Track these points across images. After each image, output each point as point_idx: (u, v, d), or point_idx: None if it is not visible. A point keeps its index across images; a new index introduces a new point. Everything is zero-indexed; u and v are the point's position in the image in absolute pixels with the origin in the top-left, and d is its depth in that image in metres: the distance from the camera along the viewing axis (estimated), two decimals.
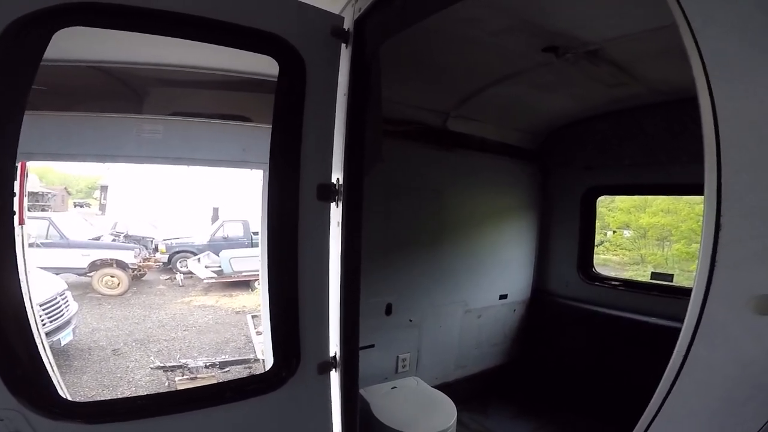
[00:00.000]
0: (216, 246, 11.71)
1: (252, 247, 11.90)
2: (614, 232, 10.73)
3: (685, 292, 3.23)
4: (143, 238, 11.99)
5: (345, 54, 1.69)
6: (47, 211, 14.58)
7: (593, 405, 3.41)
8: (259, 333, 6.79)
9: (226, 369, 6.31)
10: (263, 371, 1.64)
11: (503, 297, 3.78)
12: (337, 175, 1.63)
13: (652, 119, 3.14)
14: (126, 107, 3.07)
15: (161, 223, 13.94)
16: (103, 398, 5.14)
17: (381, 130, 1.95)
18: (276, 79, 2.89)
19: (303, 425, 1.72)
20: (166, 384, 5.81)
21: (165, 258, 11.59)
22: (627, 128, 3.32)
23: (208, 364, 6.23)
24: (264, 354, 6.07)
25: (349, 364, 1.78)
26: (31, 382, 1.20)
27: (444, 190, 3.26)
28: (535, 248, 3.99)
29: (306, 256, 1.54)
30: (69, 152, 2.63)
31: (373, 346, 2.98)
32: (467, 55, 2.36)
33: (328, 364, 1.73)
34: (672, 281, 3.49)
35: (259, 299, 9.90)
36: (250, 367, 6.43)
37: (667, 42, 2.08)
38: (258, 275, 10.53)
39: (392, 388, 2.96)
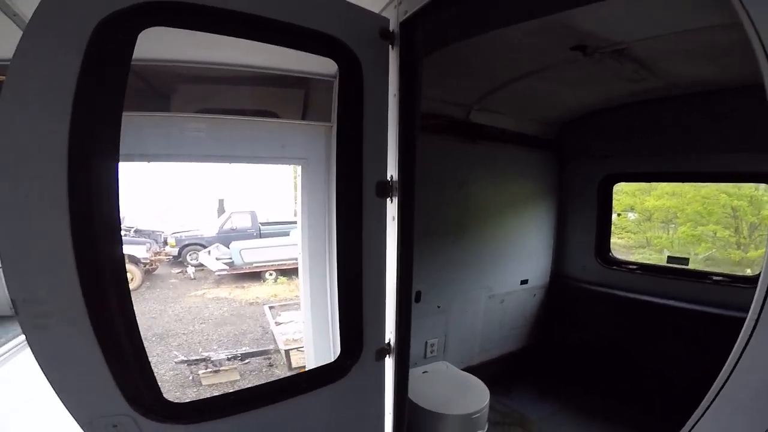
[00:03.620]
0: (225, 238, 11.80)
1: (261, 237, 12.00)
2: (619, 215, 10.78)
3: (701, 276, 3.34)
4: (153, 232, 12.06)
5: (392, 55, 1.76)
6: None
7: (612, 385, 3.56)
8: (278, 324, 6.94)
9: (247, 361, 6.45)
10: (332, 360, 1.74)
11: (524, 282, 3.90)
12: (390, 173, 1.72)
13: (668, 111, 3.24)
14: (152, 105, 3.12)
15: (169, 217, 14.00)
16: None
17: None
18: (301, 75, 2.95)
19: (363, 409, 1.85)
20: (191, 378, 5.96)
21: (175, 251, 11.70)
22: (643, 119, 3.41)
23: (230, 357, 6.37)
24: (286, 344, 6.23)
25: (402, 349, 1.89)
26: (142, 388, 1.27)
27: (468, 181, 3.35)
28: (553, 234, 4.09)
29: (368, 250, 1.63)
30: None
31: None
32: (497, 53, 2.43)
33: (384, 351, 1.84)
34: (687, 265, 3.60)
35: (271, 290, 10.06)
36: (269, 358, 6.58)
37: (691, 42, 2.17)
38: (267, 266, 10.70)
39: (423, 373, 3.08)
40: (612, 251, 3.97)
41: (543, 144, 3.89)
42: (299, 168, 2.75)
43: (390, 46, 1.76)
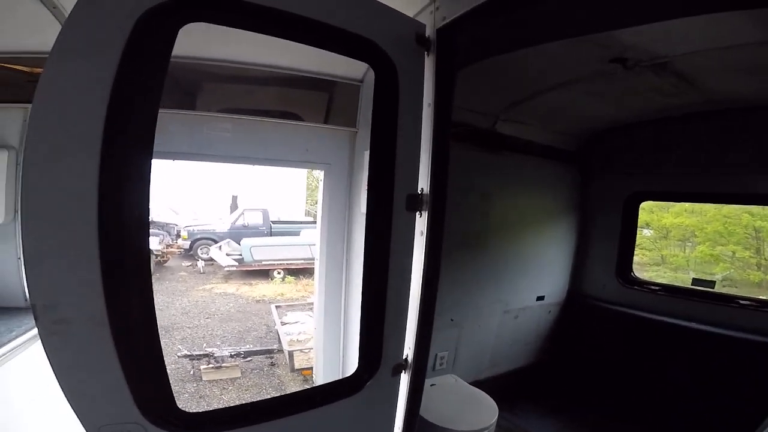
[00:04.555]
0: (236, 234, 11.85)
1: (271, 235, 12.02)
2: None
3: (727, 299, 3.23)
4: (167, 224, 12.14)
5: (428, 63, 1.70)
6: None
7: (623, 407, 3.46)
8: (284, 323, 6.89)
9: (249, 359, 6.42)
10: (350, 375, 1.69)
11: (540, 298, 3.81)
12: (421, 185, 1.66)
13: (702, 128, 3.14)
14: (177, 102, 3.09)
15: (182, 210, 14.10)
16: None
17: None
18: (326, 78, 2.90)
19: (374, 424, 1.78)
20: (191, 372, 5.93)
21: (186, 244, 11.76)
22: (675, 135, 3.31)
23: (232, 353, 6.34)
24: (290, 345, 6.18)
25: (419, 366, 1.82)
26: (155, 396, 1.22)
27: (492, 192, 3.27)
28: (572, 251, 4.00)
29: (394, 265, 1.58)
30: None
31: None
32: (532, 62, 2.36)
33: (400, 366, 1.77)
34: (713, 287, 3.49)
35: (278, 288, 10.05)
36: (272, 357, 6.52)
37: (735, 58, 2.09)
38: (275, 265, 10.69)
39: (431, 386, 3.01)
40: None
41: (568, 157, 3.80)
42: (315, 171, 2.71)
43: (426, 53, 1.70)
